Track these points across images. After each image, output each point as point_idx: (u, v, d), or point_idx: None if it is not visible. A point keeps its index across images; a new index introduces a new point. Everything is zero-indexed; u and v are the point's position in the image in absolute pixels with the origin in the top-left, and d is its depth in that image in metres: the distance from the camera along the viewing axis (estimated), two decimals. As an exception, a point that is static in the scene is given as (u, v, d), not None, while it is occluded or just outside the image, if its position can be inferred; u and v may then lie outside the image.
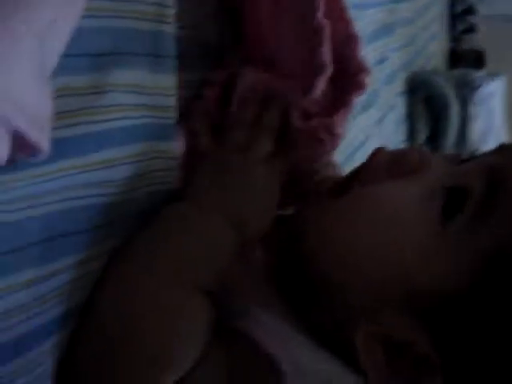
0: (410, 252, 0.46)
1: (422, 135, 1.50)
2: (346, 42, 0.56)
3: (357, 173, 0.53)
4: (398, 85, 1.44)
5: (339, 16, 0.55)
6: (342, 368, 0.46)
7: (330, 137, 0.54)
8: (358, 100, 1.07)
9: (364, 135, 1.16)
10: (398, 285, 0.46)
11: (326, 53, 0.50)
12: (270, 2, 0.51)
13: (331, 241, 0.49)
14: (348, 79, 0.56)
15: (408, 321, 0.45)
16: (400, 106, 1.45)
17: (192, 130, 0.50)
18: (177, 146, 0.46)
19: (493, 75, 1.66)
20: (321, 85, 0.51)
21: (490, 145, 1.62)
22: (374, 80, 1.18)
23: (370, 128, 1.20)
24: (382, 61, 1.25)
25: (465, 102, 1.53)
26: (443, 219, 0.46)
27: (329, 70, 0.51)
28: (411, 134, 1.49)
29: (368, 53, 1.14)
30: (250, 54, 0.54)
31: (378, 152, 0.53)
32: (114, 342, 0.41)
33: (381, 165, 0.51)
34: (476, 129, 1.56)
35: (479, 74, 1.63)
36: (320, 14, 0.50)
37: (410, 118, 1.50)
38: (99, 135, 0.39)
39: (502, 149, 0.51)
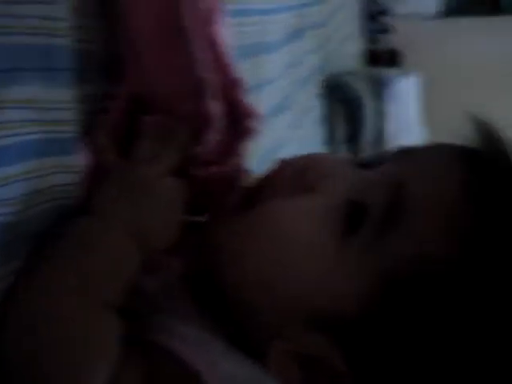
0: (309, 271, 0.46)
1: (341, 136, 1.53)
2: (229, 88, 0.55)
3: (261, 186, 0.53)
4: (314, 87, 1.47)
5: (221, 61, 0.54)
6: (263, 373, 0.46)
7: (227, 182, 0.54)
8: (269, 105, 1.09)
9: (279, 139, 1.18)
10: (301, 303, 0.46)
11: (211, 104, 0.50)
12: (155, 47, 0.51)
13: (239, 257, 0.50)
14: (237, 125, 0.55)
15: (318, 337, 0.45)
16: (317, 109, 1.48)
17: (96, 144, 0.50)
18: (79, 159, 0.46)
19: (405, 73, 1.71)
20: (209, 137, 0.51)
21: (405, 142, 1.67)
22: (286, 84, 1.20)
23: (285, 131, 1.22)
24: (294, 64, 1.27)
25: (379, 100, 1.57)
26: (344, 237, 0.46)
27: (217, 121, 0.51)
28: (330, 136, 1.52)
29: (281, 56, 1.16)
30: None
31: (281, 165, 0.53)
32: (23, 366, 0.40)
33: (284, 179, 0.51)
34: (391, 126, 1.60)
35: (392, 72, 1.67)
36: (201, 64, 0.50)
37: (328, 119, 1.53)
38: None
39: (402, 154, 0.51)
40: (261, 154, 1.04)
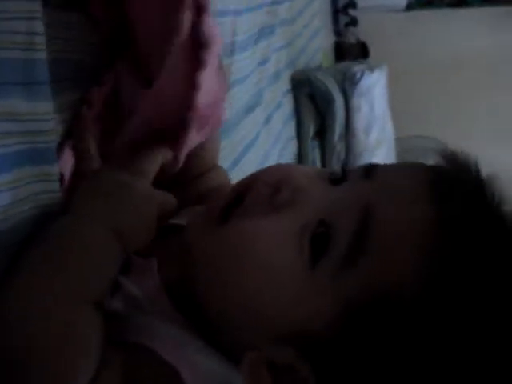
0: (280, 293, 0.47)
1: (310, 131, 1.55)
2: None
3: (236, 198, 0.53)
4: (284, 83, 1.49)
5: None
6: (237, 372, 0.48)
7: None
8: (240, 104, 1.11)
9: (253, 135, 1.20)
10: (270, 321, 0.48)
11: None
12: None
13: (211, 270, 0.51)
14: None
15: (287, 351, 0.47)
16: (287, 104, 1.50)
17: (77, 150, 0.52)
18: (58, 167, 0.48)
19: (372, 67, 1.73)
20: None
21: (374, 135, 1.70)
22: (257, 81, 1.22)
23: (258, 127, 1.24)
24: (264, 62, 1.29)
25: (347, 96, 1.59)
26: (312, 261, 0.47)
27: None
28: (299, 131, 1.54)
29: (251, 55, 1.18)
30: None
31: (255, 178, 0.53)
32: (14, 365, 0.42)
33: (257, 196, 0.51)
34: (360, 120, 1.62)
35: (359, 66, 1.69)
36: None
37: (298, 115, 1.55)
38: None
39: (371, 172, 0.51)
40: (235, 152, 1.06)
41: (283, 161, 1.44)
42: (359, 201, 0.48)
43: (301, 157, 1.55)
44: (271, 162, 1.32)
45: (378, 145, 1.73)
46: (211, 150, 0.70)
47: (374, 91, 1.67)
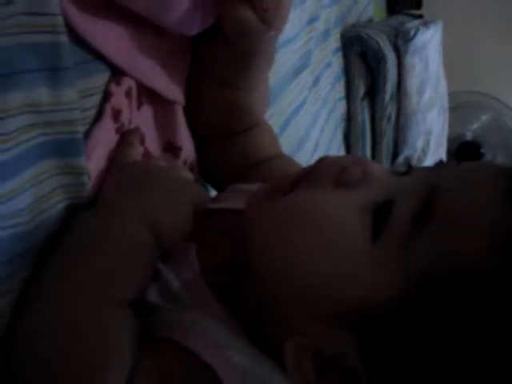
0: (340, 266, 0.45)
1: (361, 91, 1.49)
2: None
3: (304, 175, 0.52)
4: (333, 42, 1.43)
5: None
6: (278, 371, 0.45)
7: None
8: (289, 65, 1.06)
9: (300, 99, 1.15)
10: (328, 298, 0.45)
11: None
12: None
13: (269, 243, 0.48)
14: None
15: (339, 334, 0.44)
16: (336, 64, 1.44)
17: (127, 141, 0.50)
18: (84, 159, 0.44)
19: (427, 22, 1.64)
20: None
21: (427, 95, 1.62)
22: (305, 42, 1.16)
23: (305, 90, 1.19)
24: (312, 20, 1.23)
25: (400, 54, 1.52)
26: (374, 235, 0.45)
27: None
28: (349, 91, 1.48)
29: (299, 14, 1.12)
30: None
31: (325, 159, 0.52)
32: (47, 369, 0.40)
33: (327, 173, 0.50)
34: (413, 80, 1.55)
35: (414, 22, 1.61)
36: None
37: (347, 74, 1.48)
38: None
39: (439, 167, 0.50)
40: (282, 118, 1.02)
41: (331, 123, 1.39)
42: (425, 181, 0.46)
43: (350, 118, 1.49)
44: (319, 125, 1.28)
45: (431, 104, 1.65)
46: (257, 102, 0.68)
47: (428, 48, 1.59)
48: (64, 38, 0.41)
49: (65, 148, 0.42)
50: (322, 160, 0.52)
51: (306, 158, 1.14)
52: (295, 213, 0.48)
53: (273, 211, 0.49)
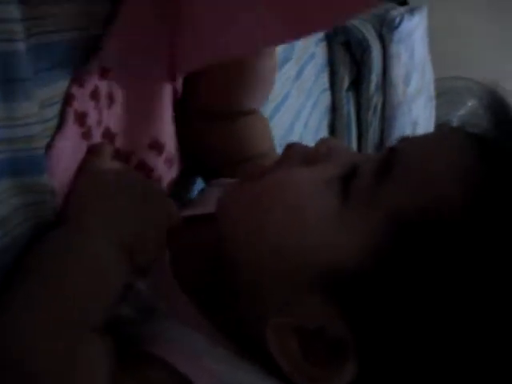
0: (312, 235, 0.45)
1: (345, 82, 1.46)
2: None
3: (274, 163, 0.53)
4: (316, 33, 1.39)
5: None
6: (264, 378, 0.44)
7: None
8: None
9: (283, 92, 1.12)
10: (303, 268, 0.45)
11: None
12: None
13: (241, 226, 0.49)
14: None
15: (319, 306, 0.44)
16: (320, 54, 1.40)
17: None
18: (47, 177, 0.41)
19: (413, 9, 1.61)
20: None
21: (413, 84, 1.59)
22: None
23: (288, 84, 1.15)
24: (295, 11, 1.19)
25: (385, 43, 1.49)
26: (342, 197, 0.46)
27: None
28: (333, 82, 1.44)
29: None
30: None
31: (292, 144, 0.54)
32: None
33: (294, 154, 0.52)
34: (398, 70, 1.52)
35: (398, 10, 1.58)
36: None
37: (331, 65, 1.45)
38: None
39: (401, 140, 0.51)
40: (267, 112, 0.99)
41: (315, 116, 1.36)
42: (387, 148, 0.49)
43: (334, 110, 1.46)
44: (303, 118, 1.24)
45: (417, 94, 1.62)
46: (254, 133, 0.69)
47: (414, 36, 1.56)
48: (21, 46, 0.37)
49: (23, 166, 0.39)
50: (289, 146, 0.54)
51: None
52: (264, 191, 0.49)
53: (243, 194, 0.51)
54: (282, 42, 0.54)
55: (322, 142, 0.53)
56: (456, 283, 0.41)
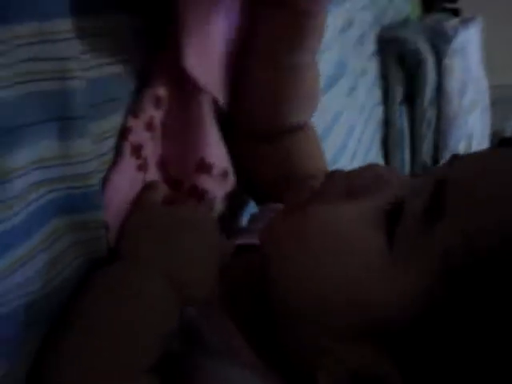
0: (359, 279, 0.43)
1: (398, 96, 1.43)
2: None
3: (316, 192, 0.50)
4: (369, 46, 1.37)
5: None
6: None
7: None
8: (323, 76, 1.01)
9: (336, 110, 1.10)
10: (351, 313, 0.42)
11: None
12: None
13: (286, 262, 0.46)
14: None
15: (370, 355, 0.42)
16: (372, 68, 1.38)
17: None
18: (101, 212, 0.40)
19: (467, 21, 1.58)
20: None
21: (468, 97, 1.56)
22: (340, 49, 1.11)
23: (342, 100, 1.14)
24: (348, 25, 1.18)
25: (440, 56, 1.45)
26: (389, 240, 0.42)
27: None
28: (386, 96, 1.42)
29: (332, 21, 1.07)
30: None
31: (335, 173, 0.50)
32: None
33: (336, 185, 0.49)
34: (453, 82, 1.49)
35: (452, 22, 1.55)
36: None
37: (384, 78, 1.43)
38: (3, 236, 0.33)
39: (452, 160, 0.47)
40: (320, 130, 0.97)
41: (369, 131, 1.34)
42: (434, 177, 0.44)
43: (387, 124, 1.44)
44: (356, 134, 1.23)
45: (472, 106, 1.59)
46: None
47: (468, 49, 1.53)
48: (76, 84, 0.37)
49: (78, 203, 0.39)
50: (331, 174, 0.50)
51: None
52: (308, 230, 0.46)
53: (286, 231, 0.48)
54: None
55: (366, 169, 0.49)
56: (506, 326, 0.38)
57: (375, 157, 1.39)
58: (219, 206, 0.57)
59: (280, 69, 0.59)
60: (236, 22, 0.56)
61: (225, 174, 0.59)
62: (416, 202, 0.42)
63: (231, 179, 0.58)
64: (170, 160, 0.53)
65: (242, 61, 0.58)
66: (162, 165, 0.52)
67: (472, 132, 1.62)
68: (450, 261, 0.40)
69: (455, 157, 0.47)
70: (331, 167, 1.02)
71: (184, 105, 0.52)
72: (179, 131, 0.54)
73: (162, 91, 0.49)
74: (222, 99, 0.56)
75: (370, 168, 0.50)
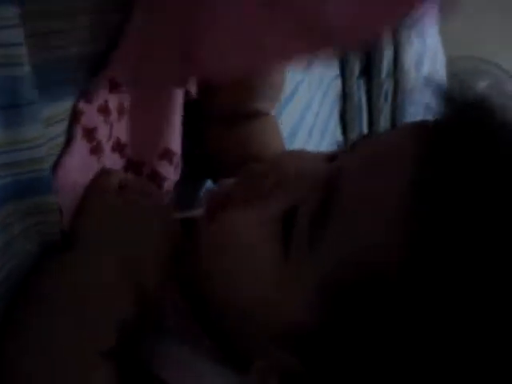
0: (258, 290, 0.44)
1: (355, 69, 1.44)
2: None
3: (228, 193, 0.50)
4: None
5: None
6: None
7: None
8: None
9: (295, 83, 1.10)
10: (259, 324, 0.44)
11: None
12: None
13: (208, 269, 0.48)
14: None
15: (283, 352, 0.43)
16: (330, 42, 1.38)
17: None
18: (54, 196, 0.40)
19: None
20: None
21: (425, 69, 1.57)
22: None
23: (299, 74, 1.14)
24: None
25: (395, 28, 1.46)
26: (284, 246, 0.43)
27: None
28: (344, 69, 1.43)
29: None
30: None
31: (244, 170, 0.50)
32: None
33: (243, 187, 0.49)
34: (410, 54, 1.50)
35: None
36: None
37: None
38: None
39: (356, 145, 0.47)
40: (277, 106, 0.98)
41: (326, 104, 1.34)
42: (326, 175, 0.44)
43: (345, 97, 1.45)
44: (314, 107, 1.23)
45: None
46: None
47: (424, 21, 1.54)
48: (26, 69, 0.37)
49: (29, 188, 0.39)
50: (243, 171, 0.50)
51: (300, 144, 1.10)
52: (216, 240, 0.47)
53: (205, 237, 0.49)
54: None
55: (273, 166, 0.49)
56: (391, 338, 0.39)
57: (333, 129, 1.40)
58: (171, 192, 0.58)
59: None
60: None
61: (178, 162, 0.60)
62: (306, 207, 0.42)
63: (179, 169, 0.59)
64: (131, 143, 0.54)
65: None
66: (119, 148, 0.53)
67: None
68: (332, 277, 0.40)
69: (358, 140, 0.48)
70: (290, 140, 1.03)
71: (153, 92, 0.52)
72: (143, 116, 0.54)
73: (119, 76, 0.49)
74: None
75: (277, 165, 0.49)
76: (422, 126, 0.44)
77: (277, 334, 0.43)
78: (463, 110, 0.43)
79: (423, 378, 0.39)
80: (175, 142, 0.58)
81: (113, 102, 0.50)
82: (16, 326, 0.39)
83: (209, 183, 0.72)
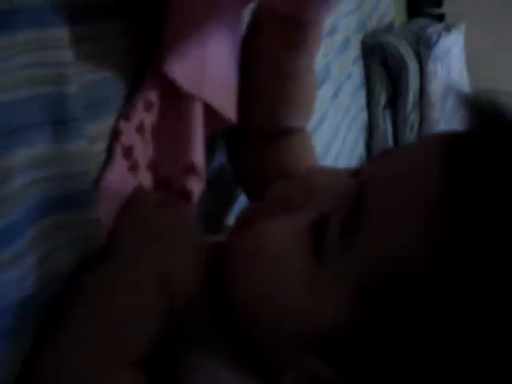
0: (290, 298, 0.44)
1: (382, 100, 1.45)
2: None
3: (261, 207, 0.52)
4: (353, 51, 1.39)
5: None
6: None
7: None
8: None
9: (321, 112, 1.12)
10: (291, 331, 0.44)
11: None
12: None
13: (237, 280, 0.48)
14: None
15: (315, 359, 0.43)
16: (356, 73, 1.40)
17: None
18: (95, 211, 0.42)
19: (449, 27, 1.60)
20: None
21: (451, 102, 1.58)
22: (324, 54, 1.13)
23: (326, 103, 1.16)
24: (332, 31, 1.20)
25: (422, 61, 1.48)
26: (316, 255, 0.44)
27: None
28: (370, 100, 1.44)
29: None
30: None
31: (275, 185, 0.51)
32: None
33: (275, 199, 0.50)
34: (436, 87, 1.51)
35: (435, 27, 1.57)
36: None
37: (368, 83, 1.45)
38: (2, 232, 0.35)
39: (381, 156, 0.48)
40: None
41: (352, 133, 1.36)
42: (356, 184, 0.45)
43: (371, 128, 1.46)
44: (340, 136, 1.25)
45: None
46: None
47: (451, 54, 1.55)
48: (71, 88, 0.39)
49: (71, 201, 0.40)
50: (273, 186, 0.51)
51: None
52: (247, 250, 0.48)
53: (234, 248, 0.50)
54: None
55: (301, 180, 0.50)
56: (428, 338, 0.40)
57: (359, 160, 1.41)
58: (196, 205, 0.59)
59: (279, 74, 0.61)
60: (235, 28, 0.58)
61: (203, 175, 0.61)
62: (336, 216, 0.44)
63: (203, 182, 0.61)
64: (161, 162, 0.55)
65: (240, 66, 0.60)
66: (152, 166, 0.54)
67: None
68: (367, 280, 0.41)
69: (383, 152, 0.49)
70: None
71: (175, 109, 0.54)
72: (170, 134, 0.55)
73: (153, 95, 0.51)
74: (217, 104, 0.57)
75: (305, 178, 0.50)
76: (449, 137, 0.45)
77: (308, 342, 0.43)
78: (493, 122, 0.43)
79: (454, 379, 0.39)
80: (199, 155, 0.59)
81: (148, 121, 0.52)
82: (53, 333, 0.40)
83: (241, 201, 0.74)
